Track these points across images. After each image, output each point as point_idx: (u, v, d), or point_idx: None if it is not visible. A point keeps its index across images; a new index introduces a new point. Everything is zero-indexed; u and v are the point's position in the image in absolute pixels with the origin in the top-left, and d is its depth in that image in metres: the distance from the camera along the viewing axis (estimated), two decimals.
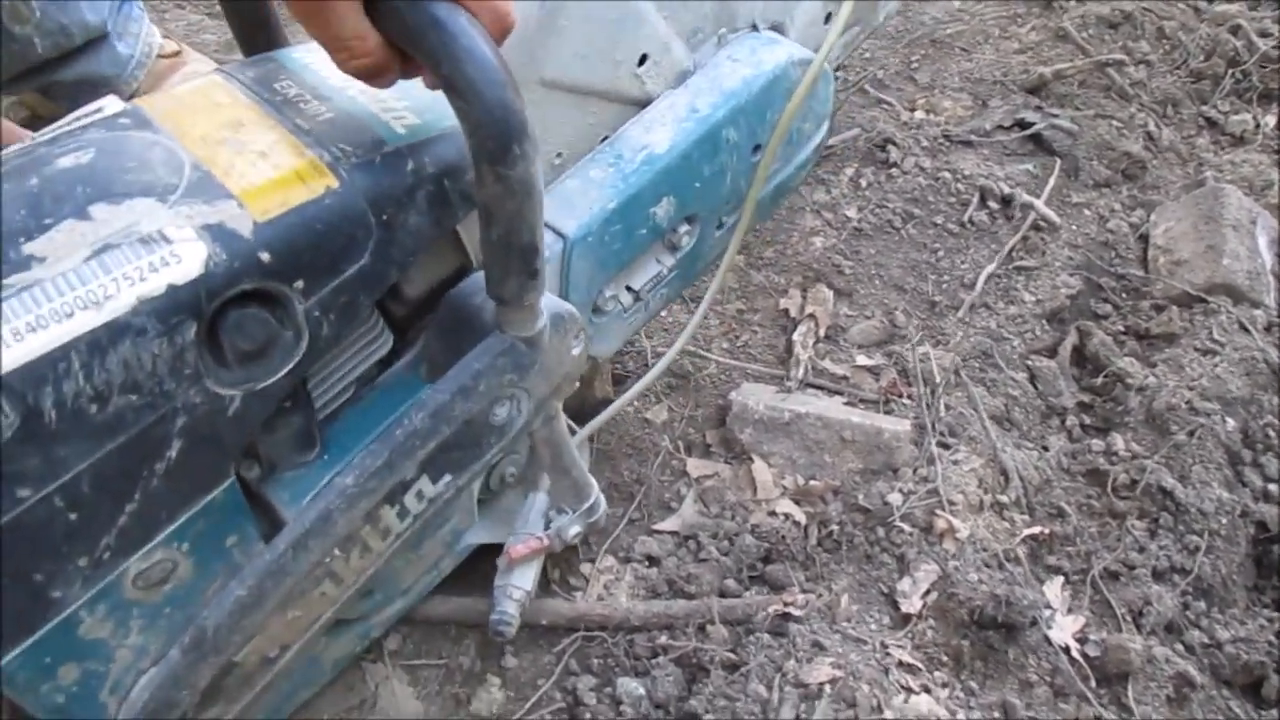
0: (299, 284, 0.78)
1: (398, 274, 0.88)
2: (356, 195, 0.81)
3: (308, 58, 0.93)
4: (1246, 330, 1.57)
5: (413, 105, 0.89)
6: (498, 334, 0.94)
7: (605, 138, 1.16)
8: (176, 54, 1.73)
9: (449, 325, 0.99)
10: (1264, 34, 2.05)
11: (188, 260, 0.72)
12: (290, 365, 0.80)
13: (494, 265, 0.88)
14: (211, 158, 0.79)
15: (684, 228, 1.21)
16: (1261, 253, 1.67)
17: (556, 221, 1.08)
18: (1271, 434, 1.48)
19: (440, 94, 0.77)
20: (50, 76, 1.58)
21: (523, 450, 1.14)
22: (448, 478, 0.98)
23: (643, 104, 1.17)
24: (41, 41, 1.50)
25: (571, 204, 1.09)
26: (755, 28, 1.25)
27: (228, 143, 0.81)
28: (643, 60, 1.13)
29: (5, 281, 0.67)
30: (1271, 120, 1.96)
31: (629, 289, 1.20)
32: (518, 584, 1.15)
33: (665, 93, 1.18)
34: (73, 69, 1.56)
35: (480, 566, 1.18)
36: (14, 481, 0.68)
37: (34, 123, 1.69)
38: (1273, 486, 1.43)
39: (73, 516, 0.72)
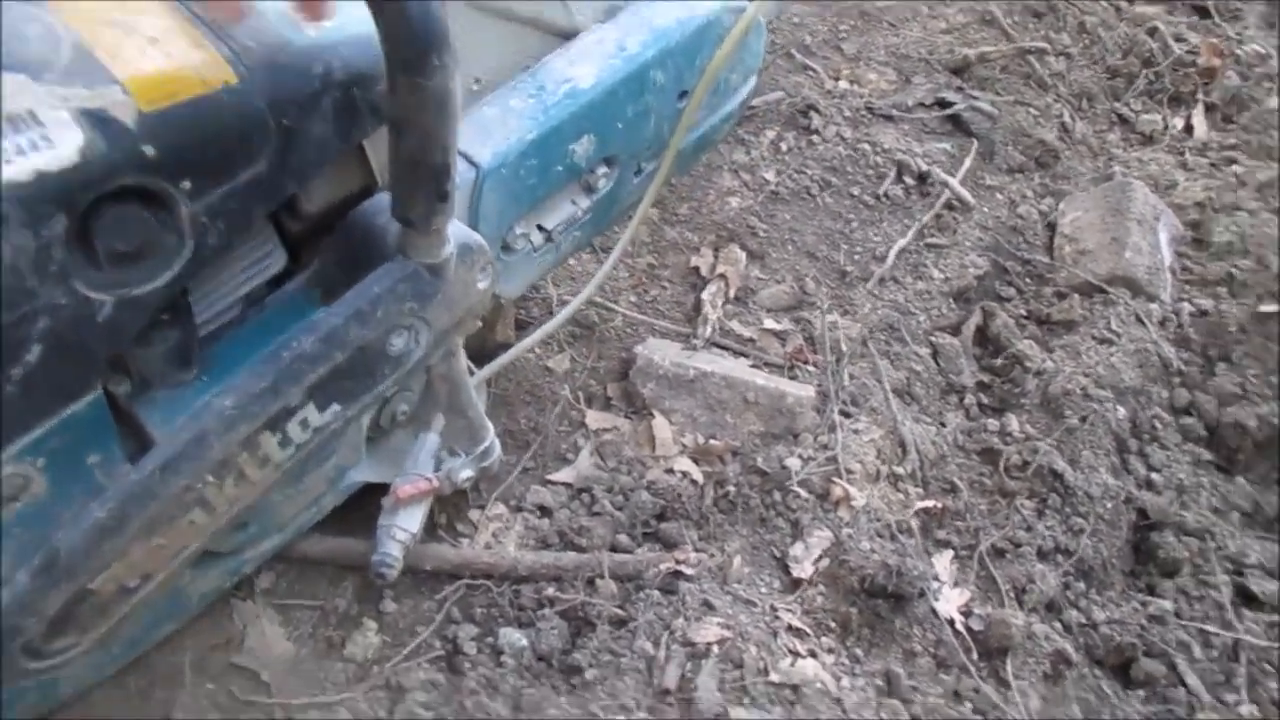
0: (185, 184, 0.72)
1: (296, 186, 0.82)
2: (256, 95, 0.75)
3: None
4: (1142, 323, 1.60)
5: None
6: (400, 258, 0.89)
7: (528, 67, 1.10)
8: None
9: (349, 246, 0.93)
10: (1179, 38, 2.09)
11: (61, 147, 0.65)
12: (170, 273, 0.74)
13: (401, 184, 0.83)
14: (96, 38, 0.72)
15: (602, 169, 1.17)
16: (1162, 249, 1.70)
17: (470, 149, 1.03)
18: (1158, 425, 1.51)
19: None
20: None
21: (417, 388, 1.09)
22: (336, 407, 0.92)
23: (569, 36, 1.12)
24: None
25: (488, 132, 1.04)
26: None
27: (115, 24, 0.74)
28: None
29: None
30: (1180, 122, 2.00)
31: (540, 228, 1.15)
32: (403, 525, 1.10)
33: (594, 26, 1.13)
34: None
35: (365, 506, 1.13)
36: None
37: None
38: (1156, 475, 1.46)
39: None
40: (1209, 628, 1.36)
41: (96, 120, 0.67)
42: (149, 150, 0.68)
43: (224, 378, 0.88)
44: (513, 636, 1.13)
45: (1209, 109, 2.02)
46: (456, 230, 0.92)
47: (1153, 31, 2.10)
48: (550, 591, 1.18)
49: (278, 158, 0.76)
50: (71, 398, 0.74)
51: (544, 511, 1.27)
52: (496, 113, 1.06)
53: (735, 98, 1.30)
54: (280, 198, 0.81)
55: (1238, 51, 2.08)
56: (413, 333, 0.93)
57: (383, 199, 0.91)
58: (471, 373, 1.21)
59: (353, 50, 0.81)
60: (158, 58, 0.72)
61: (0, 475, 0.73)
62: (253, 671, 1.09)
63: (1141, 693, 1.30)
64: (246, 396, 0.84)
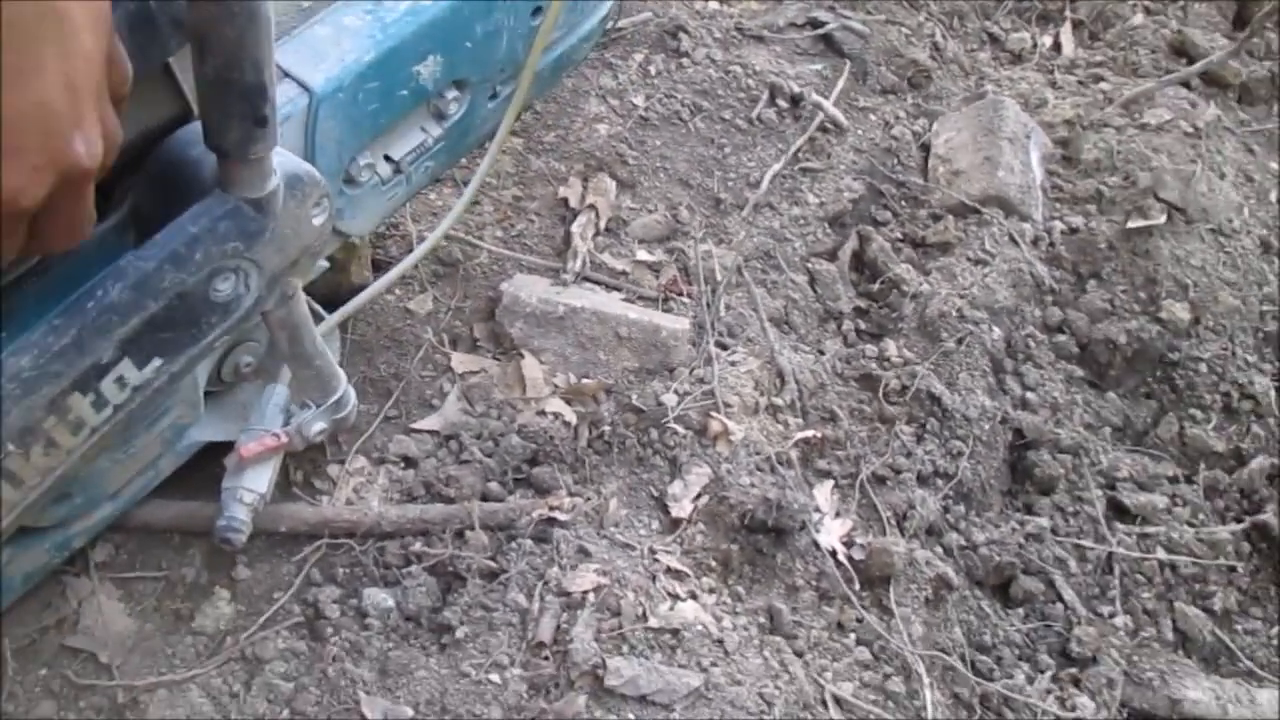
0: None
1: None
2: None
3: None
4: (1015, 243, 1.60)
5: None
6: (219, 193, 0.80)
7: None
8: None
9: (162, 182, 0.83)
10: None
11: None
12: None
13: (212, 109, 0.73)
14: None
15: (452, 94, 1.08)
16: (1034, 168, 1.70)
17: (301, 73, 0.94)
18: (1032, 344, 1.52)
19: None
20: None
21: (261, 338, 1.00)
22: (157, 362, 0.83)
23: None
24: None
25: (320, 54, 0.95)
26: None
27: None
28: None
29: None
30: (1049, 40, 2.00)
31: (388, 158, 1.07)
32: (250, 486, 1.01)
33: None
34: None
35: (210, 467, 1.04)
36: None
37: None
38: (1030, 395, 1.47)
39: None
40: (1084, 543, 1.39)
41: None
42: None
43: (24, 332, 0.78)
44: (378, 597, 1.07)
45: (1076, 26, 2.03)
46: (283, 160, 0.83)
47: None
48: (417, 547, 1.11)
49: None
50: None
51: (408, 462, 1.20)
52: (330, 32, 0.96)
53: (594, 15, 1.22)
54: None
55: None
56: (240, 275, 0.84)
57: (196, 128, 0.81)
58: (321, 319, 1.12)
59: None
60: None
61: None
62: (90, 653, 1.00)
63: (1021, 610, 1.32)
64: (47, 355, 0.74)
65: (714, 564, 1.16)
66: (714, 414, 1.28)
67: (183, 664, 1.02)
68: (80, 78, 0.57)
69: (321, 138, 0.96)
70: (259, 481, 1.03)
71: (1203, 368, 1.56)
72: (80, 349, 0.76)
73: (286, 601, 1.07)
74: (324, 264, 1.13)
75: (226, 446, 1.03)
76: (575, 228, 1.47)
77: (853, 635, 1.17)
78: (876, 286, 1.56)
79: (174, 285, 0.79)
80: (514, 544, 1.12)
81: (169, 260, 0.78)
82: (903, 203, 1.68)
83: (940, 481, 1.34)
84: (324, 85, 0.94)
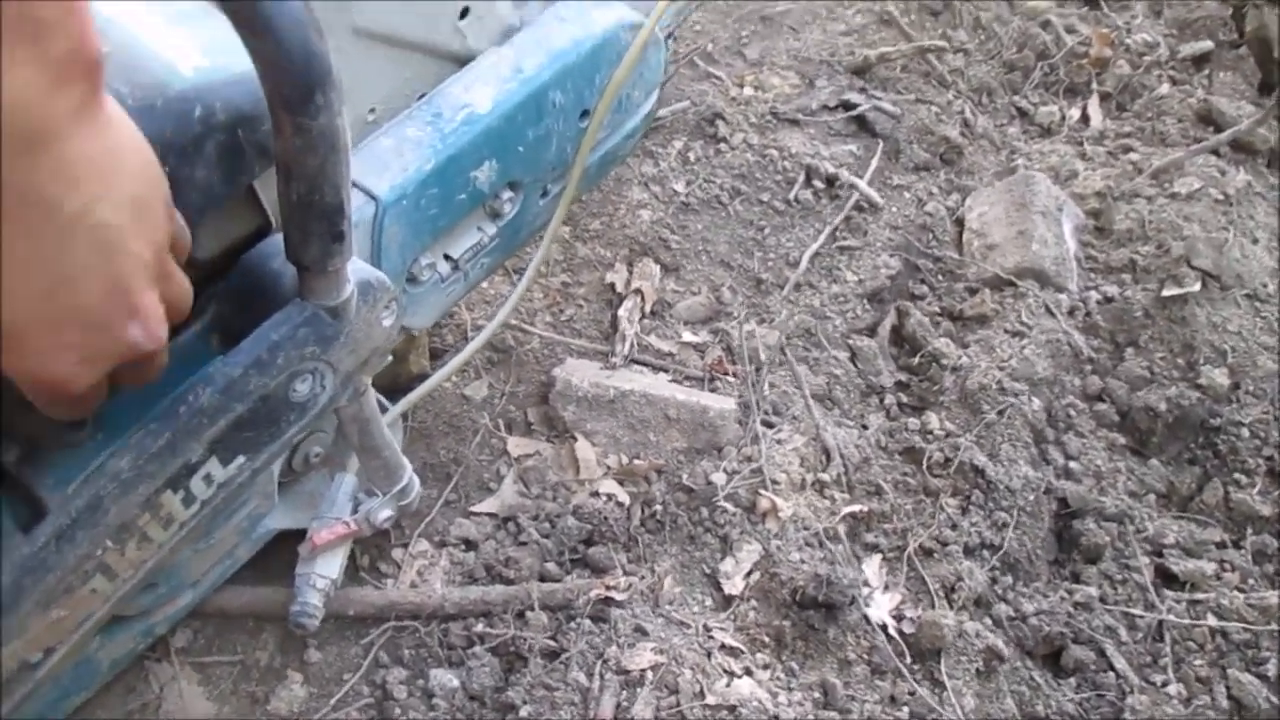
0: None
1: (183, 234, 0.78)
2: None
3: None
4: (1052, 313, 1.63)
5: (201, 43, 0.79)
6: (298, 302, 0.86)
7: (423, 95, 1.08)
8: None
9: (245, 292, 0.89)
10: (1071, 30, 2.14)
11: None
12: None
13: (294, 227, 0.79)
14: None
15: (506, 194, 1.15)
16: (1066, 239, 1.73)
17: (368, 182, 1.00)
18: (1073, 413, 1.54)
19: (231, 31, 0.68)
20: None
21: (329, 429, 1.06)
22: (241, 459, 0.89)
23: (464, 60, 1.10)
24: None
25: (385, 164, 1.01)
26: None
27: None
28: (464, 13, 1.06)
29: None
30: (1076, 113, 2.05)
31: (447, 257, 1.13)
32: (322, 572, 1.07)
33: (489, 50, 1.11)
34: None
35: (282, 554, 1.09)
36: None
37: None
38: (1073, 464, 1.49)
39: None
40: (1133, 610, 1.39)
41: None
42: None
43: (119, 434, 0.84)
44: (444, 677, 1.11)
45: (1103, 98, 2.07)
46: (356, 268, 0.89)
47: (1045, 24, 2.14)
48: (480, 627, 1.15)
49: None
50: None
51: (469, 545, 1.25)
52: (393, 143, 1.02)
53: (638, 114, 1.29)
54: None
55: (1127, 41, 2.13)
56: (317, 377, 0.90)
57: (276, 241, 0.87)
58: (385, 408, 1.18)
59: (234, 90, 0.78)
60: None
61: None
62: None
63: (1073, 680, 1.32)
64: (143, 456, 0.80)
65: (767, 640, 1.19)
66: (762, 491, 1.31)
67: None
68: (129, 276, 0.59)
69: (387, 241, 1.02)
70: (331, 568, 1.08)
71: (1245, 432, 1.58)
72: (173, 450, 0.82)
73: (356, 683, 1.11)
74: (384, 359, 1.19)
75: (297, 534, 1.08)
76: (622, 312, 1.53)
77: (906, 709, 1.18)
78: (916, 360, 1.60)
79: (258, 389, 0.85)
80: (573, 623, 1.16)
81: (253, 366, 0.84)
82: (939, 277, 1.72)
83: (987, 553, 1.36)
84: (389, 194, 0.99)
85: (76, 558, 0.79)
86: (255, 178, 0.84)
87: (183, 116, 0.74)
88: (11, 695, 0.84)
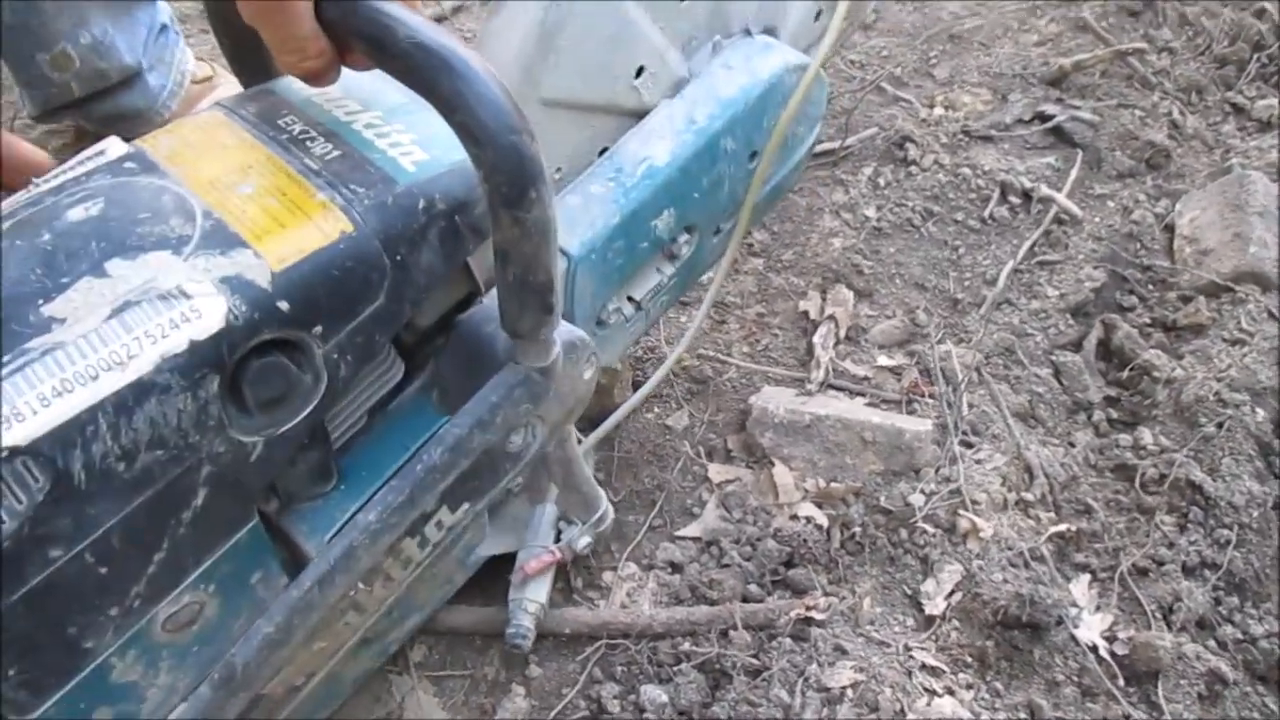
0: (317, 330, 0.78)
1: (411, 310, 0.87)
2: (371, 238, 0.80)
3: (306, 89, 0.92)
4: (1275, 318, 1.54)
5: (418, 138, 0.89)
6: (512, 365, 0.94)
7: (603, 150, 1.16)
8: (209, 79, 1.75)
9: (461, 355, 0.99)
10: None
11: (208, 315, 0.72)
12: (310, 408, 0.80)
13: (509, 303, 0.87)
14: (223, 204, 0.79)
15: (684, 237, 1.21)
16: None
17: (560, 240, 1.07)
18: None
19: (443, 124, 0.77)
20: (83, 112, 1.61)
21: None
22: (466, 506, 0.99)
23: (640, 115, 1.17)
24: (79, 86, 1.52)
25: (574, 221, 1.08)
26: (748, 31, 1.25)
27: (237, 187, 0.81)
28: (639, 72, 1.13)
29: (28, 345, 0.67)
30: None
31: (630, 299, 1.20)
32: (532, 597, 1.17)
33: (662, 102, 1.18)
34: (106, 105, 1.59)
35: (503, 574, 1.19)
36: (46, 543, 0.68)
37: (78, 144, 1.72)
38: None
39: (103, 570, 0.72)
40: None
41: (235, 285, 0.73)
42: (283, 305, 0.75)
43: (359, 485, 0.94)
44: (653, 693, 1.17)
45: None
46: (561, 330, 0.97)
47: (1260, 13, 2.03)
48: (686, 646, 1.21)
49: (394, 290, 0.82)
50: (234, 529, 0.81)
51: (674, 568, 1.31)
52: (580, 200, 1.10)
53: (802, 148, 1.33)
54: (399, 323, 0.86)
55: None
56: (529, 429, 0.99)
57: (487, 308, 0.96)
58: (580, 441, 1.26)
59: (451, 180, 0.87)
60: (280, 215, 0.79)
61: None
62: None
63: None
64: (388, 510, 0.91)
65: (970, 660, 1.19)
66: (962, 512, 1.31)
67: None
68: None
69: (579, 293, 1.10)
70: (540, 593, 1.18)
71: None
72: (412, 504, 0.93)
73: (573, 697, 1.19)
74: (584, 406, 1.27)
75: (503, 556, 1.18)
76: (817, 338, 1.56)
77: None
78: (1126, 374, 1.55)
79: (480, 445, 0.95)
80: (774, 642, 1.19)
81: (477, 426, 0.94)
82: (1149, 287, 1.66)
83: (1208, 572, 1.31)
84: (579, 249, 1.07)
85: (335, 598, 0.91)
86: (470, 255, 0.93)
87: (410, 210, 0.84)
88: (279, 714, 0.96)
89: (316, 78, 0.80)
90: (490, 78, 0.74)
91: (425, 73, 0.74)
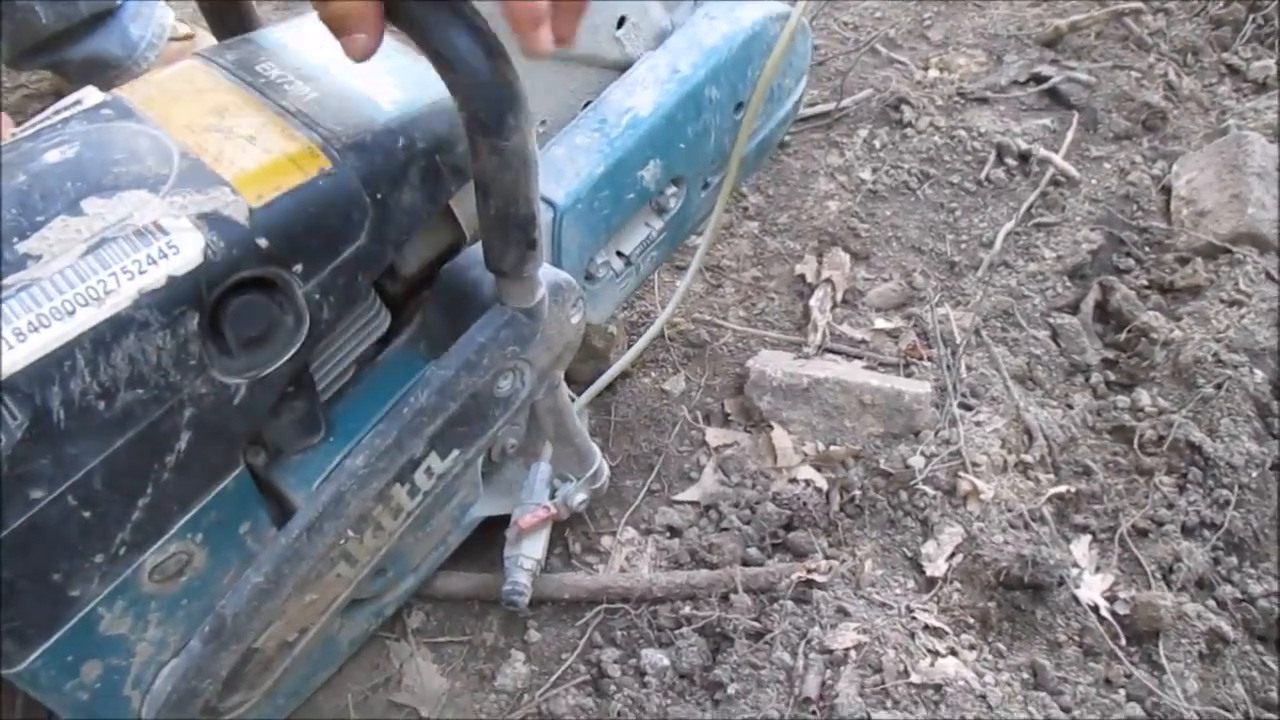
0: (297, 268, 0.77)
1: (394, 252, 0.86)
2: (350, 176, 0.79)
3: (286, 38, 0.90)
4: (1273, 279, 1.54)
5: (397, 79, 0.87)
6: (498, 306, 0.93)
7: (588, 102, 1.14)
8: (189, 37, 1.72)
9: (447, 300, 0.98)
10: None
11: (186, 250, 0.70)
12: (293, 350, 0.79)
13: (492, 238, 0.86)
14: (200, 145, 0.78)
15: (671, 190, 1.20)
16: None
17: (545, 190, 1.06)
18: None
19: (423, 64, 0.75)
20: (59, 54, 1.57)
21: (522, 421, 1.13)
22: (455, 452, 0.97)
23: (623, 67, 1.15)
24: (45, 12, 1.48)
25: (559, 172, 1.07)
26: None
27: (214, 129, 0.79)
28: (621, 23, 1.12)
29: (3, 282, 0.66)
30: None
31: (619, 254, 1.19)
32: (528, 554, 1.15)
33: (645, 54, 1.16)
34: (81, 47, 1.55)
35: (499, 541, 1.18)
36: (26, 483, 0.67)
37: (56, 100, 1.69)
38: None
39: (87, 514, 0.71)
40: None
41: (213, 221, 0.72)
42: (262, 241, 0.74)
43: (349, 437, 0.93)
44: (654, 657, 1.16)
45: None
46: (547, 272, 0.96)
47: None
48: (686, 610, 1.20)
49: (375, 229, 0.81)
50: (220, 476, 0.80)
51: (673, 532, 1.30)
52: (565, 151, 1.08)
53: (789, 100, 1.31)
54: (381, 266, 0.85)
55: None
56: (517, 374, 0.98)
57: (473, 252, 0.95)
58: (572, 399, 1.25)
59: (431, 119, 0.85)
60: (258, 154, 0.78)
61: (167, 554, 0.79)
62: (412, 708, 1.15)
63: None
64: (376, 454, 0.89)
65: (972, 621, 1.19)
66: (962, 474, 1.31)
67: (488, 719, 1.15)
68: None
69: (566, 244, 1.09)
70: (535, 549, 1.17)
71: None
72: (400, 447, 0.91)
73: (574, 662, 1.19)
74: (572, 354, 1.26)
75: (502, 521, 1.17)
76: (813, 302, 1.55)
77: (1122, 691, 1.15)
78: (1124, 336, 1.54)
79: (468, 388, 0.93)
80: (776, 605, 1.19)
81: (463, 368, 0.92)
82: (1146, 249, 1.65)
83: (1208, 532, 1.31)
84: (565, 199, 1.05)
85: (324, 547, 0.89)
86: (452, 196, 0.92)
87: (389, 148, 0.83)
88: (273, 671, 0.95)
89: (349, 28, 0.75)
90: (465, 4, 0.73)
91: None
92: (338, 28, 0.71)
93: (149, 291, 0.69)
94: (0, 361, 0.64)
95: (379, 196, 0.81)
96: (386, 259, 0.85)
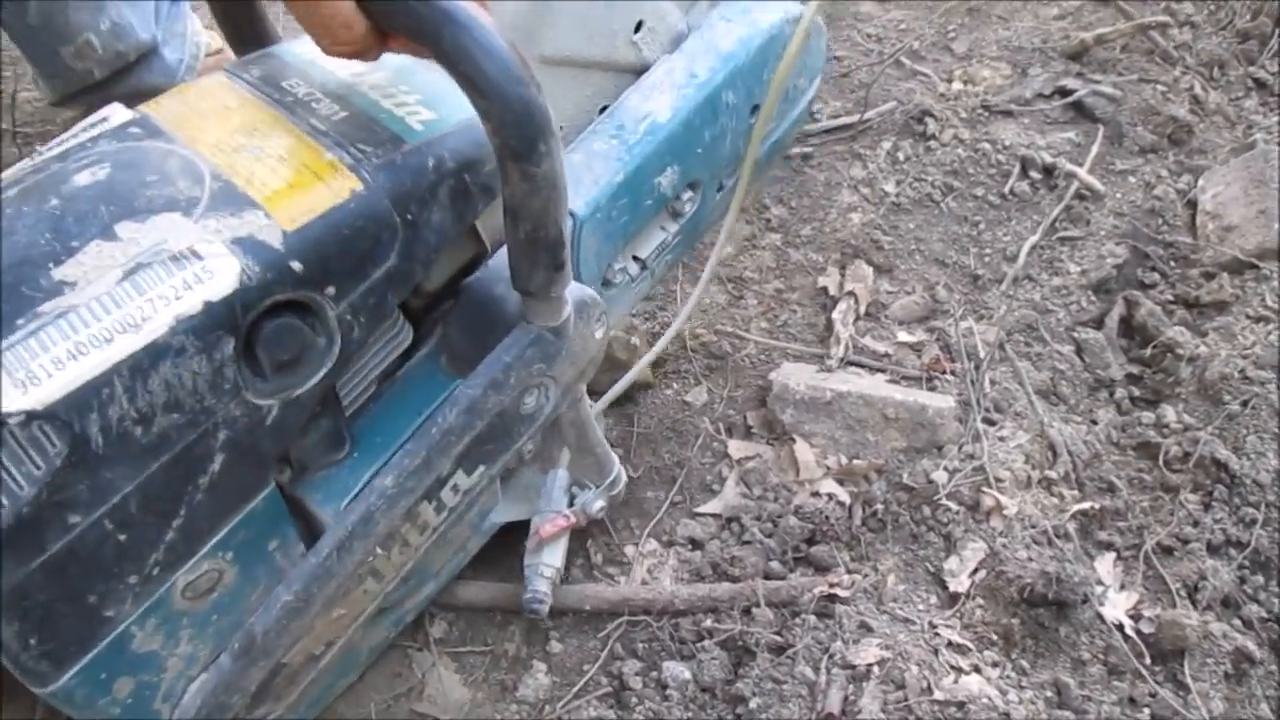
0: (330, 290, 0.78)
1: (423, 272, 0.87)
2: (381, 196, 0.80)
3: (310, 53, 0.91)
4: None
5: (424, 98, 0.88)
6: (524, 325, 0.93)
7: (604, 107, 1.14)
8: (220, 51, 1.73)
9: (471, 317, 0.98)
10: None
11: (221, 276, 0.71)
12: (324, 370, 0.80)
13: (520, 260, 0.87)
14: (231, 166, 0.78)
15: (687, 194, 1.19)
16: None
17: None
18: None
19: (449, 83, 0.76)
20: (103, 93, 1.59)
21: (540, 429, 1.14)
22: (481, 469, 0.98)
23: (639, 70, 1.15)
24: (100, 70, 1.51)
25: (578, 180, 1.07)
26: None
27: (245, 149, 0.80)
28: (638, 27, 1.12)
29: (40, 309, 0.66)
30: None
31: (636, 259, 1.19)
32: (548, 562, 1.16)
33: (662, 58, 1.16)
34: (125, 84, 1.57)
35: (520, 550, 1.18)
36: (64, 509, 0.68)
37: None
38: None
39: (122, 537, 0.72)
40: None
41: (247, 246, 0.73)
42: (296, 265, 0.74)
43: (372, 452, 0.94)
44: (676, 669, 1.16)
45: None
46: (572, 289, 0.96)
47: None
48: (708, 623, 1.20)
49: (405, 249, 0.81)
50: (251, 495, 0.81)
51: (695, 544, 1.30)
52: (583, 158, 1.08)
53: (802, 101, 1.31)
54: (410, 285, 0.86)
55: None
56: (542, 390, 0.98)
57: (496, 268, 0.95)
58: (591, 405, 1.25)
59: (460, 139, 0.86)
60: (288, 175, 0.78)
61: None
62: (434, 718, 1.15)
63: None
64: (404, 474, 0.90)
65: (995, 638, 1.18)
66: (986, 489, 1.30)
67: None
68: None
69: (585, 252, 1.09)
70: (555, 557, 1.17)
71: None
72: (429, 467, 0.92)
73: (595, 673, 1.19)
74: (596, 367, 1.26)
75: (520, 529, 1.17)
76: (836, 315, 1.55)
77: (1146, 710, 1.15)
78: (1149, 352, 1.53)
79: (495, 406, 0.94)
80: (798, 619, 1.19)
81: (491, 387, 0.93)
82: (1171, 263, 1.65)
83: (1234, 551, 1.30)
84: (584, 209, 1.05)
85: (353, 565, 0.90)
86: (479, 215, 0.92)
87: (419, 169, 0.83)
88: (299, 683, 0.95)
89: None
90: (494, 30, 0.73)
91: (428, 25, 0.73)
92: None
93: (185, 317, 0.69)
94: (41, 391, 0.64)
95: (409, 217, 0.81)
96: (416, 278, 0.85)
